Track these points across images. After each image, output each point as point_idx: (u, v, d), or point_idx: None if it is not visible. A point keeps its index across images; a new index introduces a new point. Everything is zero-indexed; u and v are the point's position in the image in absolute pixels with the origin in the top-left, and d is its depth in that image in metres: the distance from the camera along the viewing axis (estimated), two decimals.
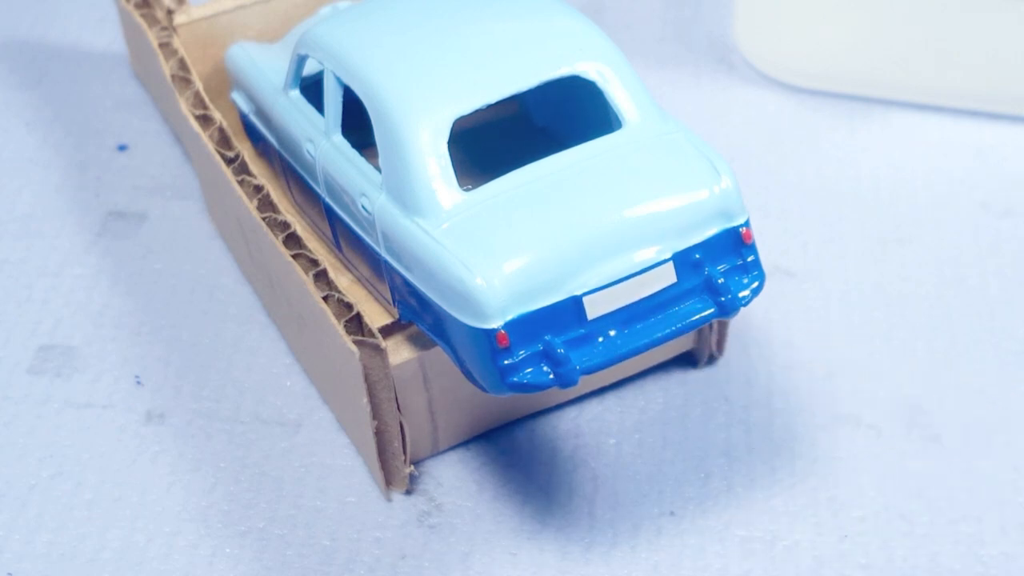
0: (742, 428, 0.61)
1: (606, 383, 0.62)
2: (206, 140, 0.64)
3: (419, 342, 0.57)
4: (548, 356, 0.51)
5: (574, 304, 0.51)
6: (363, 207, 0.56)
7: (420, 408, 0.58)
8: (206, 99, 0.66)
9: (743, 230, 0.54)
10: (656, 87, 0.76)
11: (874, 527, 0.58)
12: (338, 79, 0.57)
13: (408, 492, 0.59)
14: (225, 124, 0.65)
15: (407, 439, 0.57)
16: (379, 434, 0.57)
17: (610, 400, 0.62)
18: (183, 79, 0.67)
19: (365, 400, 0.55)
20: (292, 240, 0.59)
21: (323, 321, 0.56)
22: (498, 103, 0.55)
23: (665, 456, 0.60)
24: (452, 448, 0.61)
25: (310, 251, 0.59)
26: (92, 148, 0.75)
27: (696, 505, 0.58)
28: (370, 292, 0.59)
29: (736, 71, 0.79)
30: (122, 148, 0.75)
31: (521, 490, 0.59)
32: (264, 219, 0.60)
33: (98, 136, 0.76)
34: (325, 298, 0.56)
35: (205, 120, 0.65)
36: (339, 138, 0.58)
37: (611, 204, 0.52)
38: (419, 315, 0.55)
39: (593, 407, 0.62)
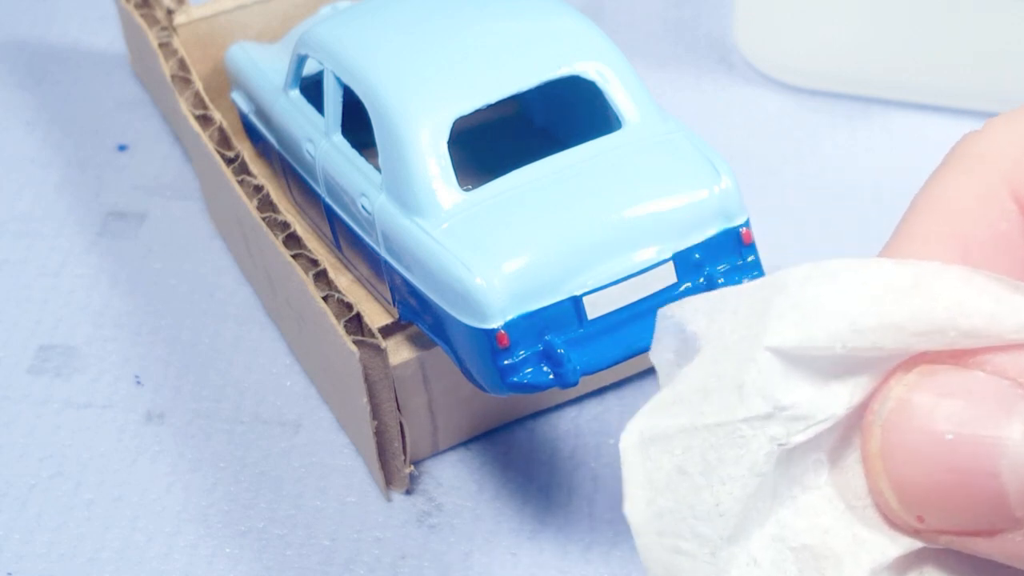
0: None
1: (606, 383, 0.62)
2: (206, 140, 0.64)
3: (419, 342, 0.57)
4: (548, 356, 0.51)
5: (574, 304, 0.51)
6: (363, 207, 0.56)
7: (420, 408, 0.58)
8: (206, 99, 0.66)
9: (743, 230, 0.53)
10: (656, 87, 0.76)
11: None
12: (338, 79, 0.57)
13: (408, 492, 0.59)
14: (225, 124, 0.65)
15: (407, 439, 0.57)
16: (379, 434, 0.57)
17: (610, 400, 0.62)
18: (183, 79, 0.67)
19: (365, 400, 0.55)
20: (292, 240, 0.59)
21: (323, 321, 0.56)
22: (498, 103, 0.55)
23: None
24: (452, 448, 0.61)
25: (310, 251, 0.59)
26: (92, 148, 0.75)
27: None
28: (370, 292, 0.59)
29: (736, 71, 0.79)
30: (122, 148, 0.75)
31: (521, 490, 0.59)
32: (264, 219, 0.60)
33: (98, 136, 0.76)
34: (325, 298, 0.56)
35: (205, 120, 0.65)
36: (339, 138, 0.58)
37: (611, 204, 0.52)
38: (419, 315, 0.55)
39: (593, 407, 0.62)
